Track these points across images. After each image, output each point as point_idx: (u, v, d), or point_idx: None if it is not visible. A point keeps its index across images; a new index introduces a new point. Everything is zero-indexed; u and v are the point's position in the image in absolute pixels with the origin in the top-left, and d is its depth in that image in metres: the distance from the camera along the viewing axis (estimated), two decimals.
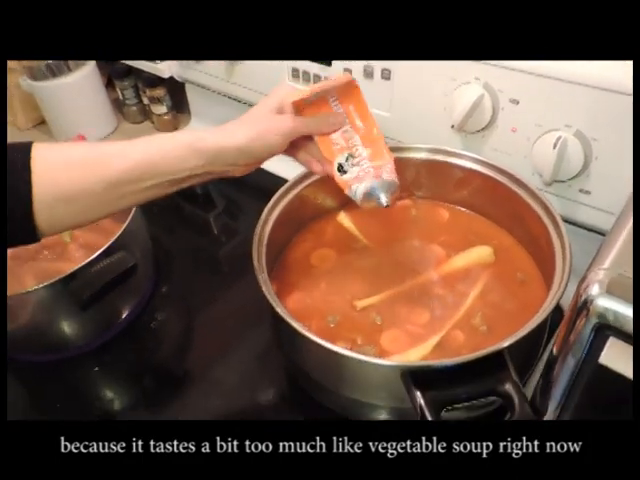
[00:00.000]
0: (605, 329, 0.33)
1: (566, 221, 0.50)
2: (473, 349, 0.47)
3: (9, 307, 0.52)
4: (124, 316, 0.61)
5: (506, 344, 0.41)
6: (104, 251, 0.52)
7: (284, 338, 0.50)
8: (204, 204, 0.84)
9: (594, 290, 0.33)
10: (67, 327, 0.56)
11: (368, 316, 0.52)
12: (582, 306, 0.34)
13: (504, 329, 0.49)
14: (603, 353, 0.33)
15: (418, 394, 0.39)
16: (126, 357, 0.58)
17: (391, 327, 0.51)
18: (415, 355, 0.48)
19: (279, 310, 0.43)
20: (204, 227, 0.79)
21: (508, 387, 0.39)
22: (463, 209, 0.61)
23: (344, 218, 0.62)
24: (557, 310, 0.44)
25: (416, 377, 0.40)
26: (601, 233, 0.54)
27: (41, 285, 0.50)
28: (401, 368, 0.40)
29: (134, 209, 0.58)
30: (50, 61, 0.86)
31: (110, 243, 0.53)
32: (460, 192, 0.59)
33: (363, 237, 0.60)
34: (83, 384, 0.56)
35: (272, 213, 0.54)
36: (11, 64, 0.90)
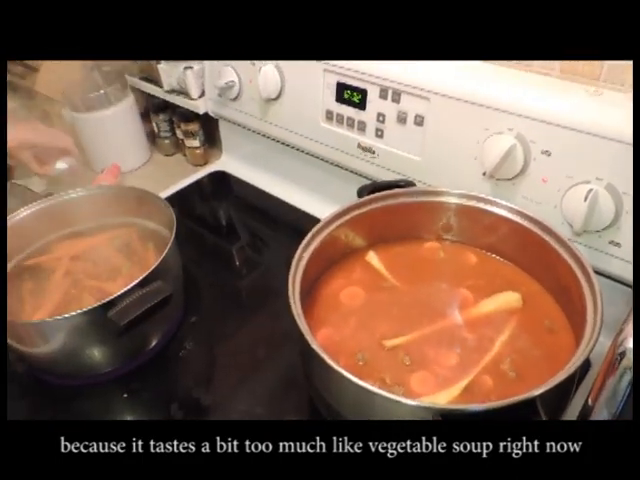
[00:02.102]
0: None
1: (595, 272, 0.51)
2: (501, 395, 0.47)
3: (45, 330, 0.53)
4: (154, 344, 0.62)
5: (538, 392, 0.41)
6: (142, 280, 0.54)
7: (315, 374, 0.50)
8: (228, 235, 0.86)
9: (631, 342, 0.34)
10: (99, 352, 0.57)
11: (397, 356, 0.52)
12: (619, 358, 0.35)
13: (532, 376, 0.49)
14: None
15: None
16: (155, 385, 0.59)
17: (420, 368, 0.51)
18: (444, 398, 0.48)
19: (315, 347, 0.43)
20: (227, 258, 0.80)
21: None
22: (491, 254, 0.62)
23: (373, 257, 0.63)
24: None
25: (448, 420, 0.40)
26: (629, 285, 0.55)
27: (80, 310, 0.51)
28: (434, 410, 0.41)
29: (171, 239, 0.60)
30: (92, 94, 0.91)
31: (148, 273, 0.54)
32: (489, 238, 0.60)
33: (391, 277, 0.61)
34: (112, 410, 0.57)
35: (306, 250, 0.55)
36: (56, 96, 0.95)
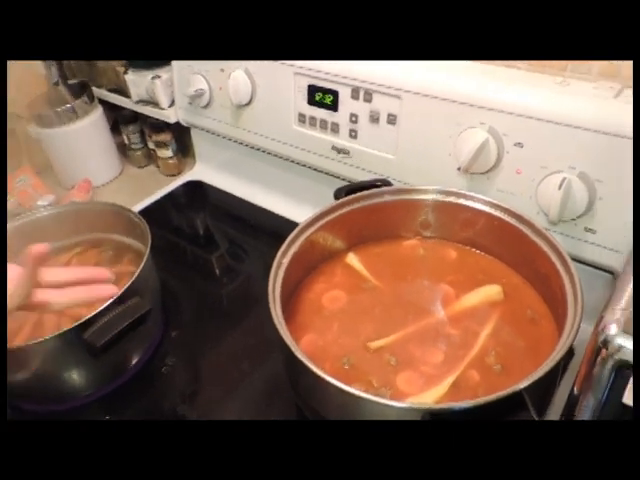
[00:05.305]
0: (626, 368, 0.33)
1: (572, 259, 0.52)
2: (489, 388, 0.47)
3: (18, 358, 0.51)
4: (134, 362, 0.60)
5: (523, 385, 0.41)
6: (118, 298, 0.52)
7: (300, 381, 0.50)
8: (206, 245, 0.85)
9: (612, 330, 0.34)
10: (77, 376, 0.56)
11: (382, 357, 0.52)
12: (601, 346, 0.35)
13: (518, 367, 0.50)
14: (626, 392, 0.33)
15: None
16: (138, 404, 0.57)
17: (406, 368, 0.51)
18: (432, 396, 0.48)
19: (299, 355, 0.43)
20: (207, 268, 0.79)
21: None
22: (470, 248, 0.62)
23: (353, 259, 0.63)
24: None
25: (437, 419, 0.40)
26: (607, 270, 0.56)
27: (55, 333, 0.49)
28: (422, 411, 0.40)
29: (146, 253, 0.58)
30: (59, 108, 0.89)
31: (124, 289, 0.53)
32: (467, 232, 0.60)
33: (372, 277, 0.60)
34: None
35: (285, 256, 0.54)
36: (20, 111, 0.92)
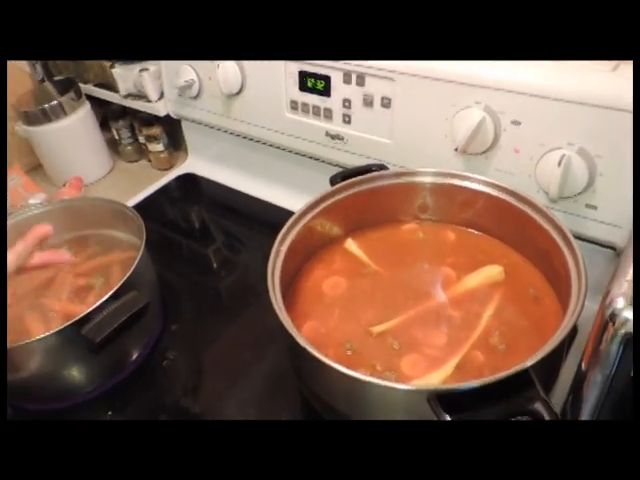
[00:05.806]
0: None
1: (574, 236, 0.51)
2: (494, 368, 0.47)
3: (16, 356, 0.50)
4: (134, 357, 0.60)
5: (530, 363, 0.41)
6: (115, 292, 0.51)
7: (304, 368, 0.49)
8: (202, 238, 0.84)
9: (619, 303, 0.34)
10: (77, 372, 0.55)
11: (385, 341, 0.51)
12: (608, 320, 0.34)
13: (522, 346, 0.49)
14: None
15: (447, 417, 0.38)
16: (139, 399, 0.57)
17: (409, 351, 0.50)
18: (436, 378, 0.48)
19: (301, 341, 0.42)
20: (204, 262, 0.78)
21: (538, 405, 0.39)
22: (469, 230, 0.61)
23: (351, 245, 0.62)
24: None
25: (443, 400, 0.40)
26: (609, 246, 0.55)
27: (52, 331, 0.49)
28: (428, 392, 0.40)
29: (142, 247, 0.58)
30: (45, 105, 0.87)
31: (120, 284, 0.52)
32: (466, 213, 0.60)
33: (372, 262, 0.60)
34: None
35: (283, 244, 0.54)
36: (7, 111, 0.91)
